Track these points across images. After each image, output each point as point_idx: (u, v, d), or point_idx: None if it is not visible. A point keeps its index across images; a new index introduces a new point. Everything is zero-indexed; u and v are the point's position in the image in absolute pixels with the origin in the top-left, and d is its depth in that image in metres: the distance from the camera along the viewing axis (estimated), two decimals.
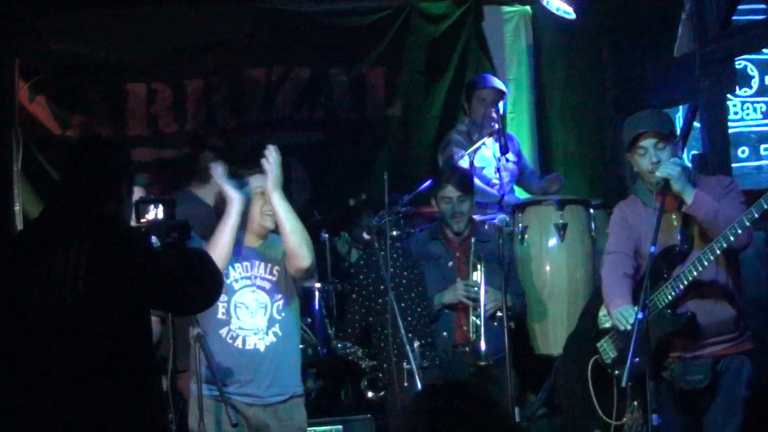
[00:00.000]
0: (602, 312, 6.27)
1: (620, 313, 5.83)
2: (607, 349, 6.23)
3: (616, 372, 6.14)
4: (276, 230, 6.07)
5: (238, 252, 6.00)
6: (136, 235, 4.48)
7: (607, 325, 6.19)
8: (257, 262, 6.04)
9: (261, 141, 9.40)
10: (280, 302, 6.02)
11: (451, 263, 7.30)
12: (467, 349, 7.07)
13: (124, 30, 9.39)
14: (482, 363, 6.93)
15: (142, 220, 4.61)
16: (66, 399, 4.14)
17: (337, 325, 7.65)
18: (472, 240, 7.20)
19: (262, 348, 5.92)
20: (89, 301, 4.14)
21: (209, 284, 4.50)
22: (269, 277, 6.04)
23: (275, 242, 6.10)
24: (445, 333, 7.16)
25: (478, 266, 7.07)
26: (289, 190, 9.57)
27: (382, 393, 6.94)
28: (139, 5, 9.43)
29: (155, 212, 4.62)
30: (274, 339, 5.95)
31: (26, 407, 4.17)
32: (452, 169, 7.54)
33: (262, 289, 6.00)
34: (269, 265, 6.05)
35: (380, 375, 6.94)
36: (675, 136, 6.01)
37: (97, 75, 9.44)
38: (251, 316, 5.95)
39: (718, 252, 5.54)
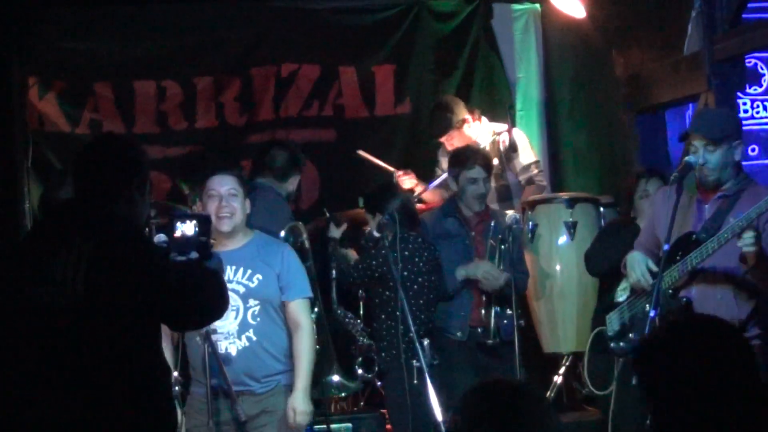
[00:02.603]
0: (621, 285, 6.20)
1: (633, 258, 5.79)
2: (612, 321, 6.19)
3: (612, 344, 6.14)
4: (235, 233, 5.91)
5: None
6: (142, 239, 4.41)
7: (620, 299, 6.15)
8: (231, 266, 5.74)
9: (271, 138, 9.56)
10: (256, 308, 5.83)
11: (467, 241, 7.20)
12: (479, 330, 7.05)
13: (134, 27, 9.41)
14: (489, 342, 6.95)
15: (176, 235, 4.45)
16: (65, 400, 4.11)
17: (338, 296, 7.57)
18: (492, 224, 7.15)
19: (234, 352, 5.75)
20: (89, 302, 4.08)
21: (209, 308, 4.40)
22: (245, 282, 5.82)
23: (263, 249, 5.93)
24: (462, 313, 7.09)
25: (497, 249, 7.05)
26: (298, 189, 9.62)
27: (374, 374, 6.93)
28: (149, 3, 9.45)
29: (189, 228, 4.47)
30: (247, 343, 5.78)
31: (27, 407, 4.15)
32: (477, 151, 7.48)
33: (235, 292, 5.68)
34: (248, 271, 5.84)
35: (375, 356, 6.92)
36: (733, 138, 5.69)
37: (107, 73, 9.45)
38: (223, 318, 5.43)
39: (723, 243, 5.41)
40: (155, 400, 4.27)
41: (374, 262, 6.83)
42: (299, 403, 5.82)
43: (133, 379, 4.16)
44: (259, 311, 5.83)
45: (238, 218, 5.87)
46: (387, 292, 6.82)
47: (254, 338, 5.80)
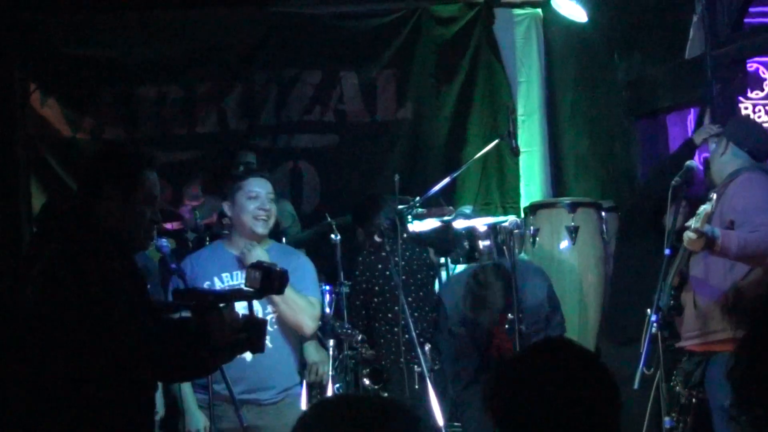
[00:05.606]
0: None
1: None
2: None
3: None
4: (272, 237, 5.97)
5: (226, 262, 5.82)
6: (104, 254, 4.03)
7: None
8: None
9: (272, 143, 9.57)
10: (274, 315, 5.77)
11: None
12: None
13: (135, 33, 9.42)
14: None
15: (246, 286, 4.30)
16: (29, 409, 4.00)
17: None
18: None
19: (248, 357, 5.48)
20: (39, 311, 3.94)
21: (131, 361, 3.98)
22: None
23: (278, 255, 5.82)
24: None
25: None
26: (300, 194, 9.58)
27: (381, 385, 6.86)
28: (151, 9, 9.45)
29: (252, 277, 4.27)
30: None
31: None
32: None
33: None
34: None
35: (381, 367, 6.86)
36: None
37: (108, 77, 9.46)
38: None
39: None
40: (114, 415, 4.02)
41: (356, 274, 6.88)
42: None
43: (85, 394, 3.96)
44: (276, 318, 5.79)
45: (271, 223, 5.92)
46: (375, 298, 6.88)
47: (270, 346, 5.57)
